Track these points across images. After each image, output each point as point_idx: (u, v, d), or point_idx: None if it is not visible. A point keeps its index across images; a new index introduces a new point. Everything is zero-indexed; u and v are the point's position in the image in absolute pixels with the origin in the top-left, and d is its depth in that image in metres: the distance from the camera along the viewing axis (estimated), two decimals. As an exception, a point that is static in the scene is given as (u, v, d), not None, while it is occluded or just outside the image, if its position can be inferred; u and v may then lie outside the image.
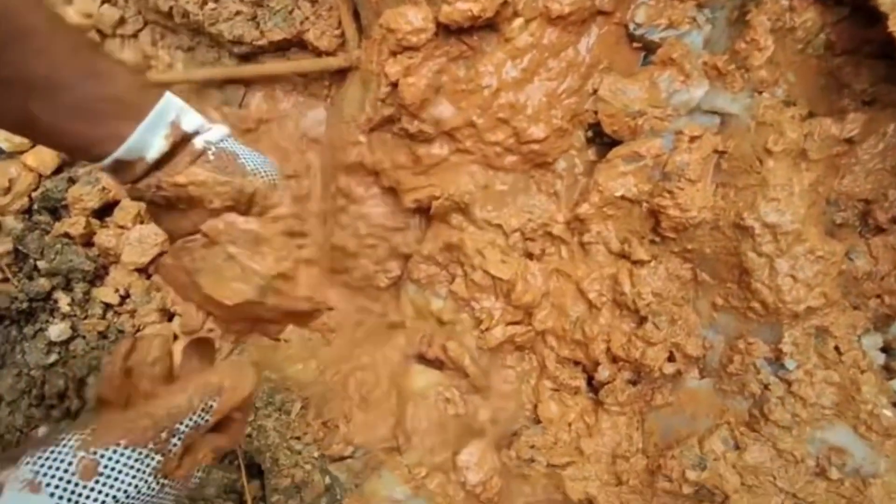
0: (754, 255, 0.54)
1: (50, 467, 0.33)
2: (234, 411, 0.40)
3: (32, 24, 0.33)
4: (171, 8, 0.93)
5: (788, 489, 0.51)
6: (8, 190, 1.01)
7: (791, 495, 0.51)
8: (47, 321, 0.97)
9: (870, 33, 0.55)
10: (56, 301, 0.98)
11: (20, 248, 0.98)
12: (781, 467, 0.52)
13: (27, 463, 0.33)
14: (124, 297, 1.00)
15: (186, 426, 0.36)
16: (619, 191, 0.63)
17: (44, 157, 1.04)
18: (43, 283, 0.97)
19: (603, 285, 0.63)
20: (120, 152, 0.37)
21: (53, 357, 0.94)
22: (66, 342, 0.96)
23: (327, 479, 0.66)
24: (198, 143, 0.39)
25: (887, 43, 0.52)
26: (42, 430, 0.91)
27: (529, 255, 0.68)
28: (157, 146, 0.37)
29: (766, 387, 0.54)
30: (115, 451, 0.34)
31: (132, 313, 1.00)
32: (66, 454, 0.34)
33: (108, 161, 0.37)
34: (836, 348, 0.53)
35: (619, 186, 0.63)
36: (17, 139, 1.04)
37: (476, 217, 0.70)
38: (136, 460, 0.35)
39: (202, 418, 0.37)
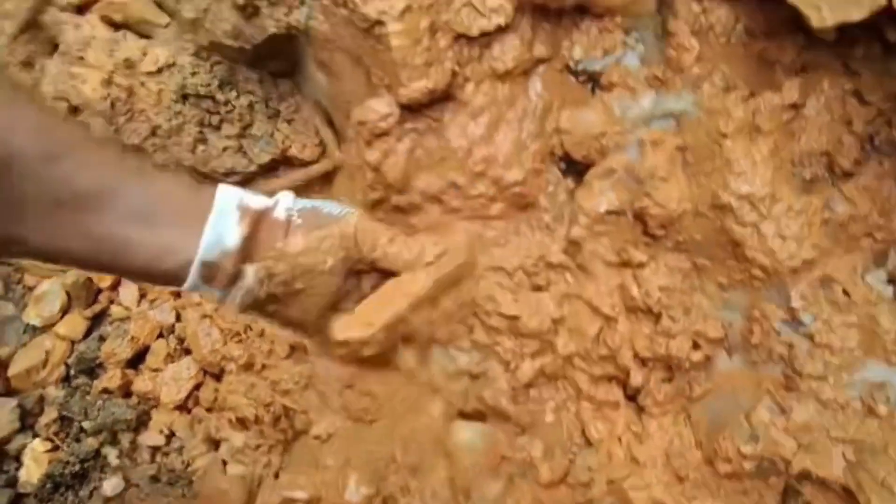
0: (739, 227, 0.57)
1: None
2: None
3: (74, 137, 0.33)
4: (165, 160, 1.02)
5: (843, 436, 0.51)
6: (45, 363, 1.06)
7: (849, 442, 0.51)
8: (100, 478, 0.98)
9: (780, 13, 0.60)
10: (105, 457, 1.00)
11: (65, 413, 1.02)
12: (830, 418, 0.52)
13: None
14: (169, 437, 1.02)
15: None
16: (602, 207, 0.67)
17: (74, 324, 1.10)
18: (91, 443, 1.00)
19: (613, 297, 0.65)
20: (200, 253, 0.35)
21: (111, 512, 0.95)
22: (121, 494, 0.97)
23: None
24: (278, 214, 0.37)
25: (797, 17, 0.57)
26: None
27: (538, 288, 0.71)
28: (234, 233, 0.35)
29: (791, 346, 0.55)
30: None
31: (180, 450, 1.01)
32: None
33: (194, 271, 0.35)
34: (845, 292, 0.54)
35: (601, 203, 0.67)
36: (47, 313, 1.10)
37: (478, 268, 0.74)
38: None
39: None
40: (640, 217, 0.64)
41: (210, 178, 1.02)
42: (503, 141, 0.72)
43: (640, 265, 0.64)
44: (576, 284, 0.69)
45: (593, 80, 0.73)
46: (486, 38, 0.68)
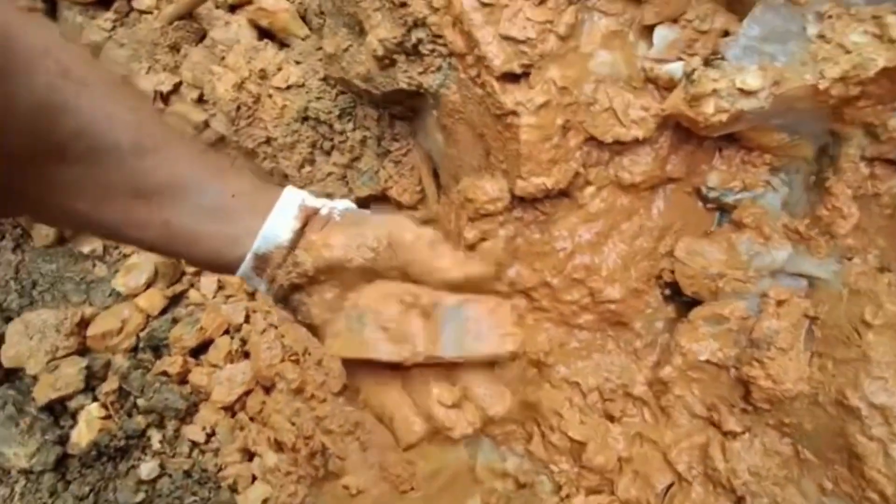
0: (864, 440, 0.49)
1: None
2: None
3: (162, 132, 0.35)
4: (272, 169, 1.05)
5: None
6: (121, 330, 1.11)
7: None
8: (139, 458, 1.01)
9: (964, 196, 0.52)
10: (149, 438, 1.03)
11: (124, 386, 1.06)
12: None
13: None
14: (210, 436, 1.04)
15: None
16: (703, 355, 0.61)
17: (153, 300, 1.15)
18: (140, 421, 1.03)
19: (692, 456, 0.59)
20: (257, 244, 0.37)
21: (140, 496, 0.97)
22: (154, 481, 0.99)
23: None
24: (323, 211, 0.39)
25: None
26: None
27: (610, 417, 0.66)
28: (289, 227, 0.37)
29: None
30: None
31: (216, 452, 1.03)
32: None
33: (248, 260, 0.37)
34: (978, 555, 0.46)
35: (702, 350, 0.61)
36: (133, 283, 1.15)
37: (552, 375, 0.69)
38: None
39: None
40: (744, 382, 0.58)
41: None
42: (610, 253, 0.67)
43: (732, 434, 0.57)
44: (653, 427, 0.64)
45: (723, 212, 0.67)
46: (619, 146, 0.64)
